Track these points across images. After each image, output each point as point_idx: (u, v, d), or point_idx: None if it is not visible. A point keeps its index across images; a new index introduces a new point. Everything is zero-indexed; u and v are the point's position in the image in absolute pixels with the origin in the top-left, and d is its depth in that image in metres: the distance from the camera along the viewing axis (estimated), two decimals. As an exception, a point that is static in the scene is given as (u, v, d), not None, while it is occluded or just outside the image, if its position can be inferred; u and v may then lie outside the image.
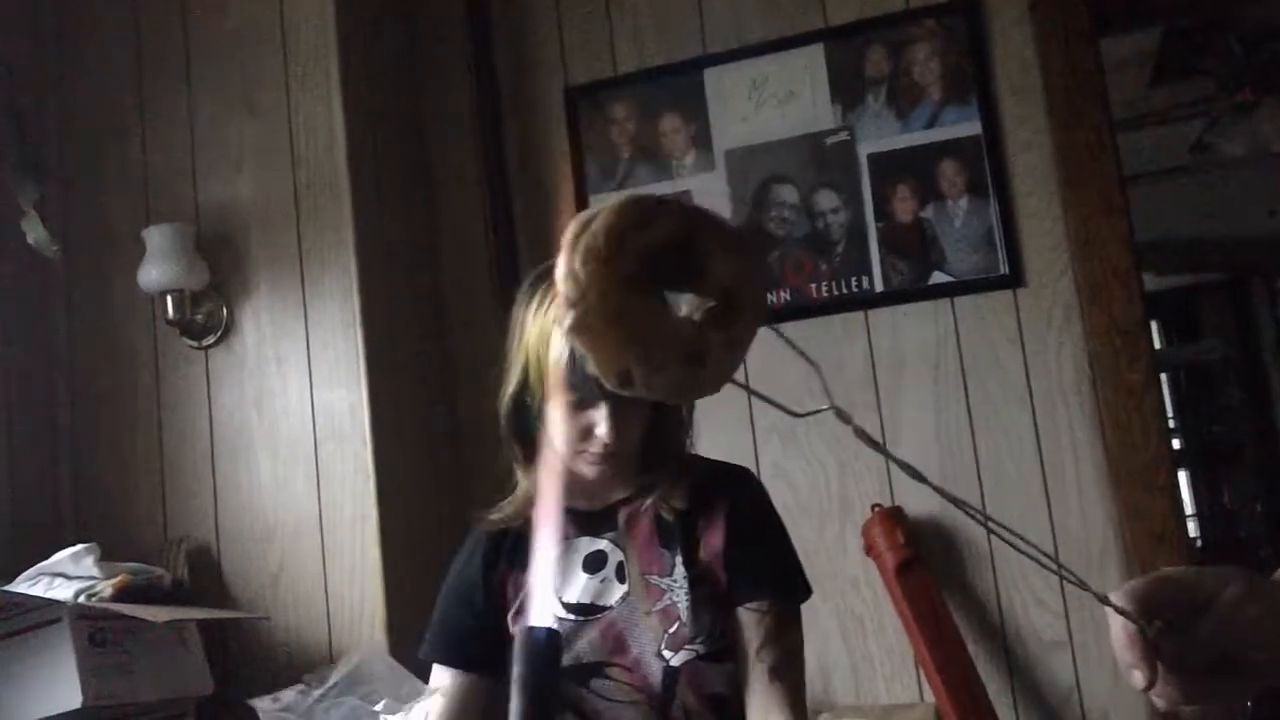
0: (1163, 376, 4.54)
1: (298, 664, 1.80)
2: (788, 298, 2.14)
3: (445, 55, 2.38)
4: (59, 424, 2.12)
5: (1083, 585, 0.63)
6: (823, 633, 2.01)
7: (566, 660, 1.23)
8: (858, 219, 2.12)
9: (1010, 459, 2.02)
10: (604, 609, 1.26)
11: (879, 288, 2.10)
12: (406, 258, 2.20)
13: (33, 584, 1.76)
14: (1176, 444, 4.76)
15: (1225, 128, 3.57)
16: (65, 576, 1.76)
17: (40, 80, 2.20)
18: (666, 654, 1.22)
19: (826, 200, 2.14)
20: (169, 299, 1.97)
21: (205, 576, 1.96)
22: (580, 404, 1.20)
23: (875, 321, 2.10)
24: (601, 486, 1.30)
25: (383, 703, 1.58)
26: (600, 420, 1.20)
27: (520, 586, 1.30)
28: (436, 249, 2.34)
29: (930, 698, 1.90)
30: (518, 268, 2.29)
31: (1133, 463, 1.94)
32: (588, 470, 1.25)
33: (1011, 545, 0.62)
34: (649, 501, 1.29)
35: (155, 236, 1.98)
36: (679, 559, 1.26)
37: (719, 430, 2.03)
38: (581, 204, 2.26)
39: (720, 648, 1.24)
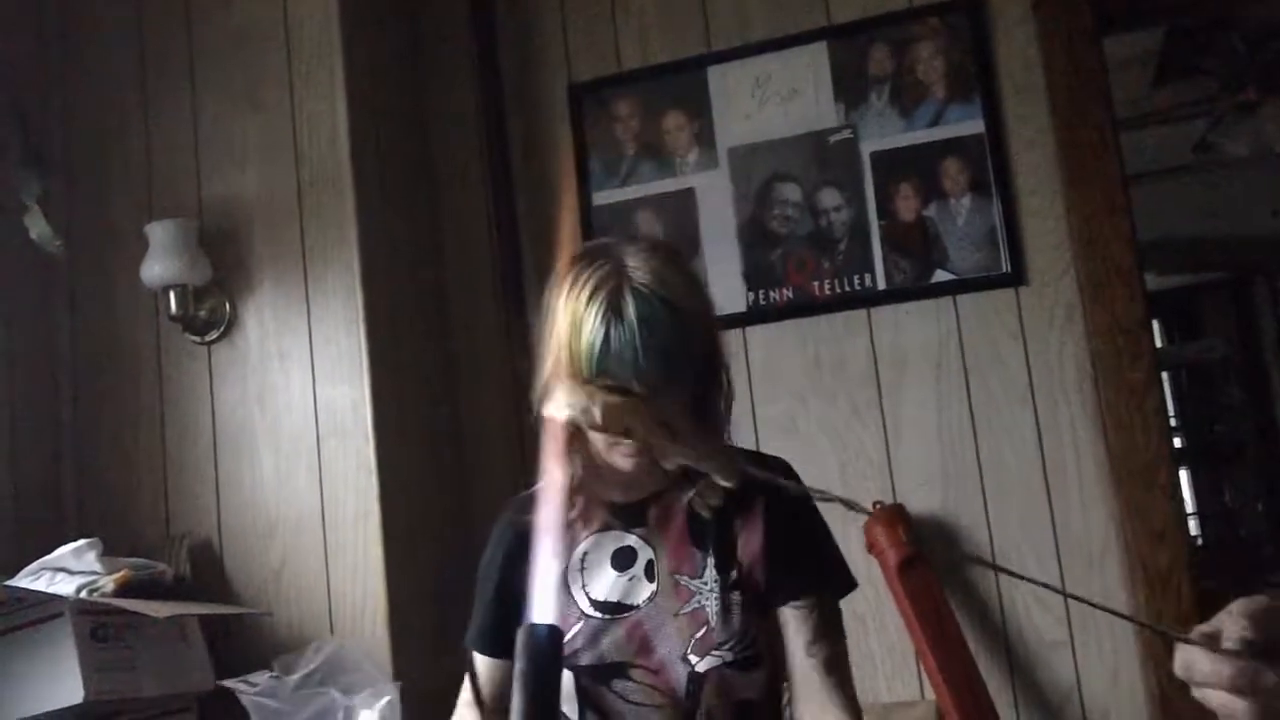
0: (1164, 375, 4.54)
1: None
2: (790, 296, 2.14)
3: (449, 52, 2.38)
4: (61, 419, 2.12)
5: (1159, 629, 0.64)
6: (824, 630, 2.01)
7: (590, 659, 1.21)
8: (860, 217, 2.12)
9: (1012, 457, 2.02)
10: (631, 608, 1.23)
11: (881, 286, 2.10)
12: (409, 254, 2.20)
13: (35, 579, 1.76)
14: (1178, 443, 4.76)
15: (1228, 127, 3.57)
16: (67, 571, 1.76)
17: (44, 76, 2.20)
18: (692, 659, 1.19)
19: (829, 198, 2.14)
20: (172, 295, 1.98)
21: (207, 572, 1.97)
22: (614, 391, 1.17)
23: (877, 319, 2.10)
24: (635, 479, 1.26)
25: (359, 696, 1.59)
26: None
27: (559, 571, 1.26)
28: (439, 246, 2.35)
29: (931, 696, 1.90)
30: (521, 265, 2.29)
31: (1134, 461, 1.94)
32: (623, 463, 1.21)
33: (1088, 603, 0.63)
34: (683, 497, 1.25)
35: (158, 232, 1.98)
36: (711, 560, 1.23)
37: (721, 428, 2.03)
38: (585, 201, 2.26)
39: (749, 655, 1.20)
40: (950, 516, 2.02)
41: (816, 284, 2.13)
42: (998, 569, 0.53)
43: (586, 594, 1.25)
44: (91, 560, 1.78)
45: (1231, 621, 0.63)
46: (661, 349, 1.14)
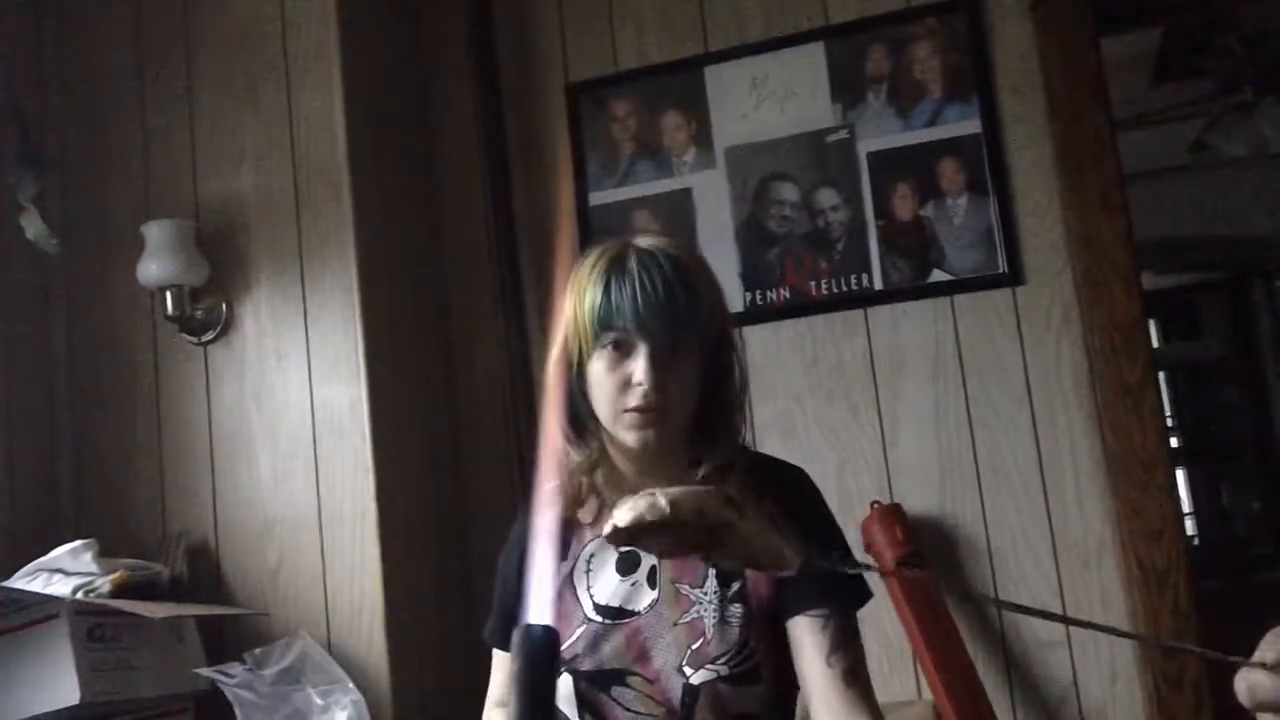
0: (1161, 375, 4.55)
1: (296, 660, 1.79)
2: (788, 295, 2.14)
3: (447, 51, 2.38)
4: (58, 420, 2.12)
5: (1220, 657, 0.63)
6: (821, 630, 2.01)
7: (590, 664, 1.19)
8: (858, 217, 2.12)
9: (1009, 457, 2.02)
10: (632, 614, 1.21)
11: (879, 285, 2.10)
12: (407, 254, 2.20)
13: (31, 580, 1.76)
14: (1174, 442, 4.76)
15: (1225, 127, 3.57)
16: (64, 572, 1.76)
17: (41, 75, 2.20)
18: (687, 670, 1.16)
19: (827, 198, 2.14)
20: (168, 294, 1.98)
21: (204, 572, 1.96)
22: (619, 350, 1.16)
23: (875, 319, 2.10)
24: (646, 477, 1.23)
25: (332, 695, 1.59)
26: (638, 367, 1.14)
27: (559, 574, 1.25)
28: (437, 245, 2.34)
29: (928, 695, 1.90)
30: (518, 264, 2.29)
31: (1131, 461, 1.94)
32: (629, 436, 1.18)
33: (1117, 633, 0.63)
34: None
35: (155, 232, 1.98)
36: (712, 570, 1.20)
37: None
38: (582, 201, 2.26)
39: (747, 669, 1.17)
40: (948, 516, 2.02)
41: (814, 284, 2.13)
42: (1000, 604, 0.53)
43: (591, 597, 1.24)
44: (88, 561, 1.78)
45: (1267, 647, 0.62)
46: (664, 302, 1.13)
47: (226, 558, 1.98)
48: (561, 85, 2.31)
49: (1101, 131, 2.01)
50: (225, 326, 2.04)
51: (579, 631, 1.22)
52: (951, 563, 2.01)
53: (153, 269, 1.97)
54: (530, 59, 2.35)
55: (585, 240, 2.23)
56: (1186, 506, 4.73)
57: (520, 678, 0.58)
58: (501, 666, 1.35)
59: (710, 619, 1.18)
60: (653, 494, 0.70)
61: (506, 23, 2.37)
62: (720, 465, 1.22)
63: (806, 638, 1.17)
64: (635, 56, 2.28)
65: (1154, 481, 1.93)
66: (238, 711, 1.59)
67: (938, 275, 2.08)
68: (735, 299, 2.15)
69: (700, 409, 1.22)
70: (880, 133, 2.13)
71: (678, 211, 2.20)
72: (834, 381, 2.11)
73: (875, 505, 1.99)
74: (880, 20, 2.14)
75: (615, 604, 1.22)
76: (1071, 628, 1.96)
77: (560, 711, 1.21)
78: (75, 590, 1.71)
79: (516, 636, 0.59)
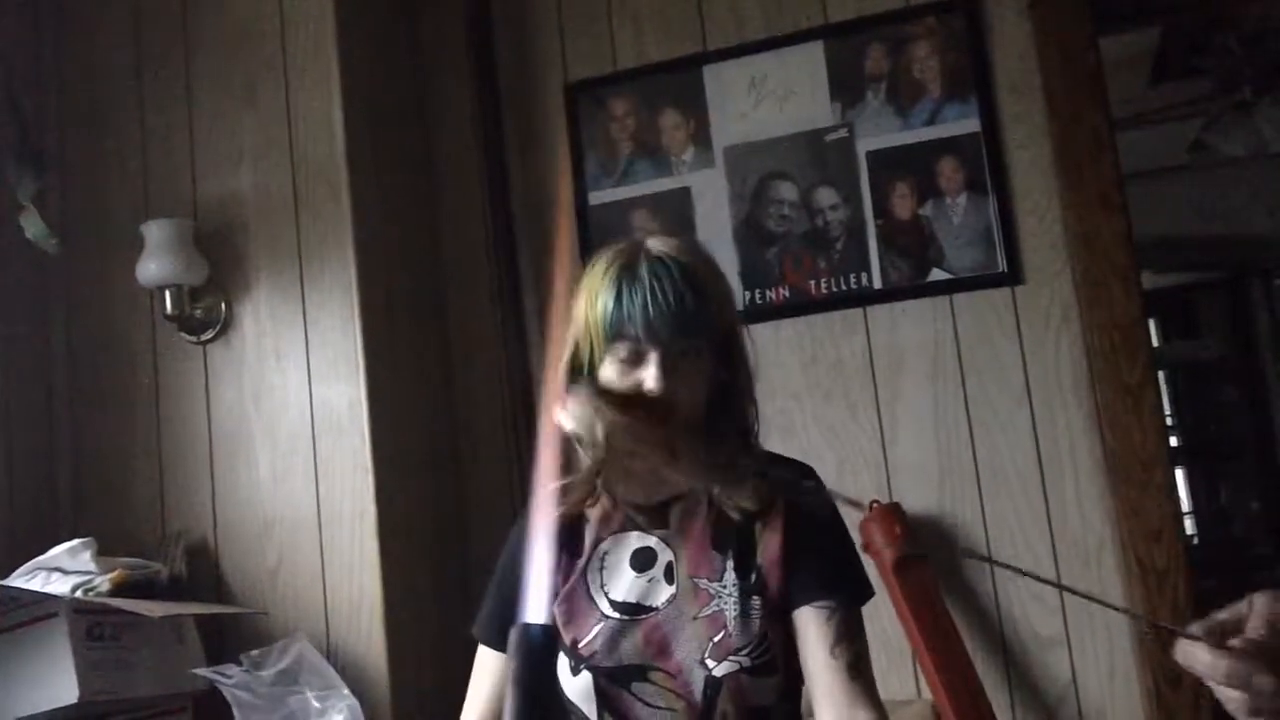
0: (1160, 374, 4.55)
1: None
2: (787, 295, 2.14)
3: (445, 50, 2.38)
4: (57, 419, 2.12)
5: (1154, 623, 0.66)
6: (820, 629, 2.01)
7: (609, 661, 1.20)
8: (857, 216, 2.12)
9: (1008, 456, 2.02)
10: (650, 610, 1.22)
11: (878, 285, 2.10)
12: (405, 253, 2.20)
13: (30, 578, 1.76)
14: (1174, 441, 4.76)
15: (1224, 127, 3.57)
16: (62, 571, 1.76)
17: (40, 75, 2.20)
18: (710, 663, 1.18)
19: (826, 197, 2.14)
20: (168, 294, 1.98)
21: (203, 571, 1.96)
22: (629, 360, 1.17)
23: (874, 318, 2.10)
24: (657, 475, 1.24)
25: (329, 699, 1.60)
26: (649, 373, 1.15)
27: (573, 571, 1.25)
28: (436, 244, 2.34)
29: (928, 694, 1.90)
30: (517, 263, 2.29)
31: (1130, 460, 1.94)
32: (638, 463, 1.20)
33: (1085, 596, 0.64)
34: (704, 501, 1.24)
35: (154, 231, 1.98)
36: (730, 563, 1.22)
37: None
38: (581, 200, 2.26)
39: (765, 661, 1.19)
40: (947, 515, 2.02)
41: (813, 283, 2.13)
42: (994, 563, 0.53)
43: (606, 594, 1.24)
44: (87, 560, 1.78)
45: (1250, 617, 0.65)
46: (674, 308, 1.14)
47: (225, 557, 1.98)
48: (560, 84, 2.31)
49: (1100, 131, 2.01)
50: (224, 326, 2.04)
51: (596, 629, 1.22)
52: (951, 562, 2.01)
53: (152, 268, 1.97)
54: (529, 58, 2.35)
55: (584, 240, 2.23)
56: (1186, 506, 4.73)
57: (518, 677, 0.58)
58: (486, 665, 1.35)
59: (731, 611, 1.19)
60: (594, 420, 0.69)
61: (505, 22, 2.37)
62: (730, 463, 1.23)
63: (811, 629, 1.19)
64: (634, 56, 2.28)
65: (1153, 481, 1.93)
66: (236, 712, 1.59)
67: (937, 274, 2.08)
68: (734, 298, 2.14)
69: (710, 409, 1.23)
70: (879, 132, 2.13)
71: (676, 211, 2.20)
72: (833, 380, 2.11)
73: (874, 504, 1.99)
74: (879, 19, 2.14)
75: (632, 600, 1.23)
76: (1069, 625, 1.96)
77: (578, 709, 1.22)
78: (74, 589, 1.71)
79: (514, 635, 0.59)
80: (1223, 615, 0.68)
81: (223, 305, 2.04)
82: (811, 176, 2.15)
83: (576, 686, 1.21)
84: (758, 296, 2.15)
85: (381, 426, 1.96)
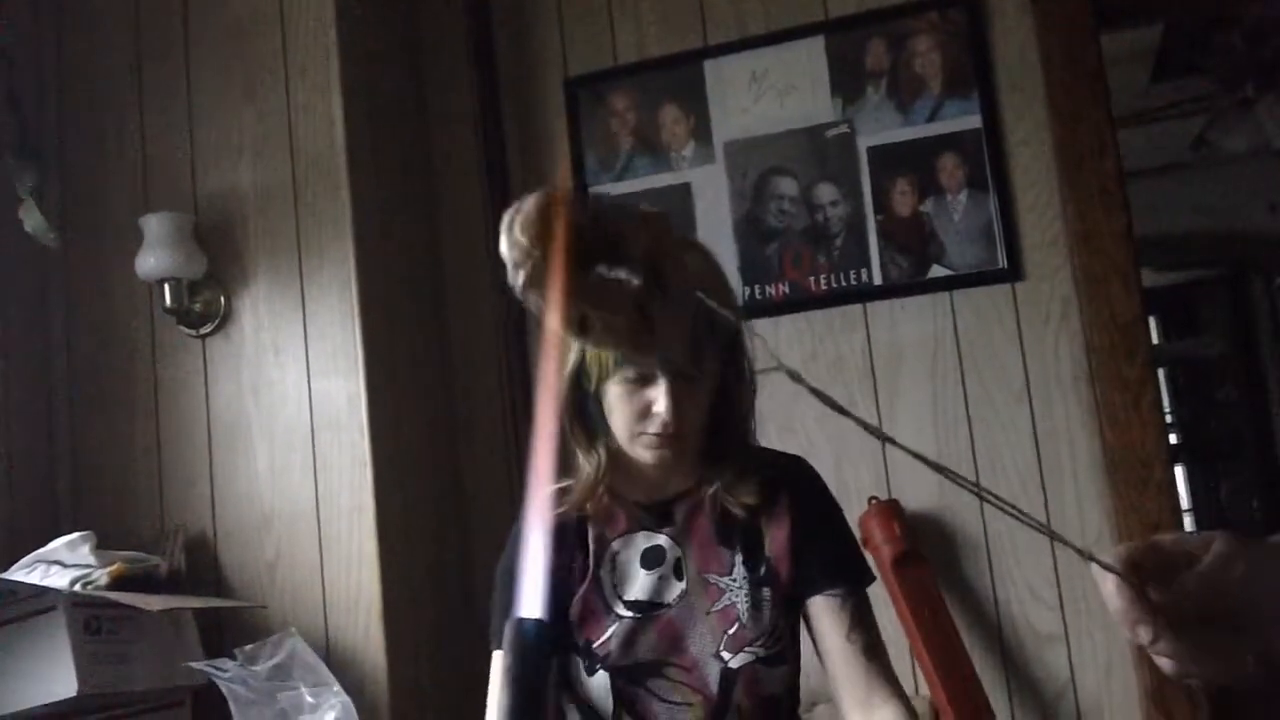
0: (1160, 372, 4.55)
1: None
2: (787, 291, 2.14)
3: (445, 45, 2.37)
4: (56, 412, 2.12)
5: (1073, 547, 0.64)
6: (818, 625, 2.01)
7: (626, 659, 1.21)
8: (857, 212, 2.12)
9: (1007, 453, 2.02)
10: (662, 606, 1.24)
11: (878, 281, 2.10)
12: (405, 248, 2.20)
13: (29, 572, 1.76)
14: (1174, 439, 4.76)
15: (1226, 124, 3.57)
16: (61, 564, 1.76)
17: (39, 67, 2.19)
18: (725, 655, 1.20)
19: (826, 193, 2.14)
20: (167, 287, 1.97)
21: (202, 565, 1.96)
22: (638, 382, 1.19)
23: (874, 315, 2.10)
24: (661, 477, 1.27)
25: (323, 695, 1.60)
26: (659, 397, 1.17)
27: (585, 572, 1.26)
28: (435, 239, 2.34)
29: (926, 691, 1.90)
30: (516, 259, 2.28)
31: (1130, 457, 1.94)
32: (646, 454, 1.22)
33: (999, 507, 0.63)
34: (709, 496, 1.26)
35: (153, 225, 1.97)
36: (739, 557, 1.24)
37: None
38: (581, 195, 2.25)
39: (779, 650, 1.22)
40: (945, 512, 2.02)
41: (813, 279, 2.13)
42: (983, 496, 0.53)
43: (619, 595, 1.25)
44: (85, 553, 1.77)
45: (1202, 560, 0.62)
46: (685, 338, 1.14)
47: (224, 551, 1.98)
48: (560, 80, 2.31)
49: (1102, 128, 2.00)
50: (223, 320, 2.04)
51: (612, 629, 1.23)
52: (949, 558, 2.01)
53: (151, 262, 1.96)
54: (529, 53, 2.35)
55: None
56: (1185, 503, 4.73)
57: (513, 672, 0.58)
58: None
59: (743, 604, 1.22)
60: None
61: (505, 17, 2.36)
62: (731, 466, 1.26)
63: (826, 616, 1.23)
64: (634, 50, 2.27)
65: (1152, 478, 1.92)
66: (232, 706, 1.59)
67: (937, 271, 2.07)
68: (734, 294, 2.15)
69: (713, 413, 1.25)
70: (880, 128, 2.12)
71: (676, 206, 2.20)
72: (832, 377, 2.11)
73: (873, 501, 1.99)
74: (880, 14, 2.14)
75: (645, 598, 1.25)
76: (1067, 621, 1.96)
77: (594, 709, 1.22)
78: (73, 582, 1.71)
79: (508, 631, 0.59)
80: (1167, 541, 0.64)
81: (222, 299, 2.04)
82: (812, 172, 2.15)
83: (593, 686, 1.23)
84: (757, 292, 2.15)
85: (380, 421, 1.96)
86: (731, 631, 1.21)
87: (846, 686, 1.22)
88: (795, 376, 0.64)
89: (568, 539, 1.28)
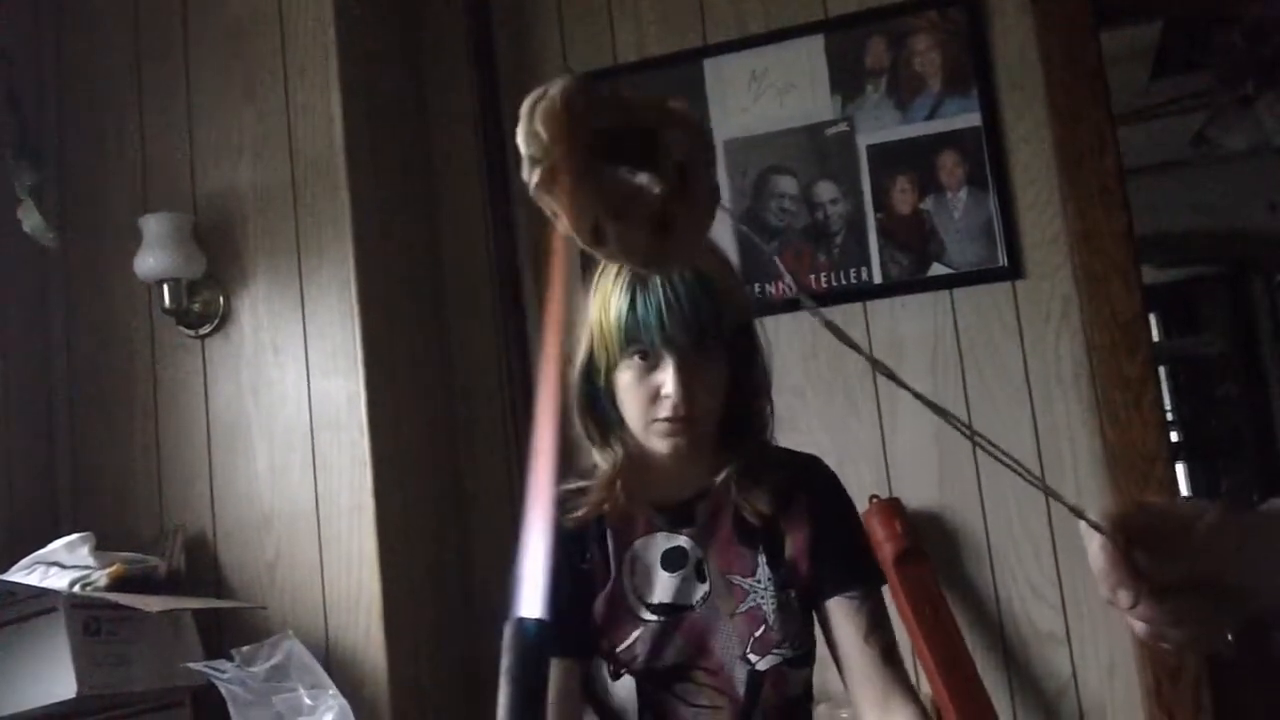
0: (1161, 370, 4.55)
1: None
2: (787, 289, 2.14)
3: (445, 44, 2.37)
4: (55, 413, 2.11)
5: (1064, 502, 0.63)
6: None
7: (651, 663, 1.20)
8: (857, 210, 2.12)
9: (1008, 451, 2.01)
10: (686, 608, 1.23)
11: (878, 279, 2.10)
12: (404, 247, 2.19)
13: (28, 573, 1.76)
14: (1174, 437, 4.76)
15: (1226, 122, 3.56)
16: (61, 565, 1.76)
17: (38, 67, 2.19)
18: (752, 658, 1.20)
19: (826, 191, 2.13)
20: (166, 288, 1.97)
21: (201, 566, 1.96)
22: (645, 365, 1.18)
23: (874, 313, 2.10)
24: (678, 474, 1.26)
25: (320, 698, 1.59)
26: (667, 379, 1.16)
27: (606, 576, 1.25)
28: (435, 238, 2.34)
29: (927, 689, 1.90)
30: (516, 257, 2.28)
31: (1131, 455, 1.93)
32: (661, 443, 1.20)
33: (995, 457, 0.62)
34: (729, 498, 1.25)
35: (152, 225, 1.97)
36: (762, 558, 1.23)
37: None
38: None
39: (803, 652, 1.22)
40: (946, 510, 2.02)
41: (813, 277, 2.13)
42: (977, 441, 0.53)
43: (643, 599, 1.24)
44: (85, 554, 1.77)
45: (1195, 528, 0.61)
46: (689, 314, 1.15)
47: (224, 551, 1.97)
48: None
49: (1102, 126, 2.00)
50: (222, 320, 2.04)
51: (636, 633, 1.22)
52: (951, 556, 2.01)
53: (150, 262, 1.96)
54: (529, 52, 2.34)
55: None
56: (1186, 502, 4.72)
57: (512, 673, 0.58)
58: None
59: (769, 606, 1.21)
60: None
61: (504, 16, 2.36)
62: (748, 464, 1.25)
63: (842, 618, 1.23)
64: (634, 49, 2.27)
65: (1153, 476, 1.92)
66: (231, 707, 1.59)
67: (937, 269, 2.07)
68: (734, 293, 2.14)
69: (728, 407, 1.24)
70: (880, 126, 2.12)
71: (676, 205, 2.19)
72: (833, 375, 2.10)
73: (874, 499, 1.99)
74: (880, 13, 2.14)
75: (668, 601, 1.23)
76: (1069, 620, 1.95)
77: (616, 713, 1.22)
78: (72, 583, 1.70)
79: (508, 631, 0.59)
80: (1160, 506, 0.64)
81: (221, 299, 2.04)
82: (812, 170, 2.15)
83: (617, 691, 1.22)
84: (758, 291, 2.15)
85: (380, 421, 1.95)
86: (758, 634, 1.20)
87: (865, 688, 1.22)
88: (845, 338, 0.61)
89: (587, 542, 1.26)
